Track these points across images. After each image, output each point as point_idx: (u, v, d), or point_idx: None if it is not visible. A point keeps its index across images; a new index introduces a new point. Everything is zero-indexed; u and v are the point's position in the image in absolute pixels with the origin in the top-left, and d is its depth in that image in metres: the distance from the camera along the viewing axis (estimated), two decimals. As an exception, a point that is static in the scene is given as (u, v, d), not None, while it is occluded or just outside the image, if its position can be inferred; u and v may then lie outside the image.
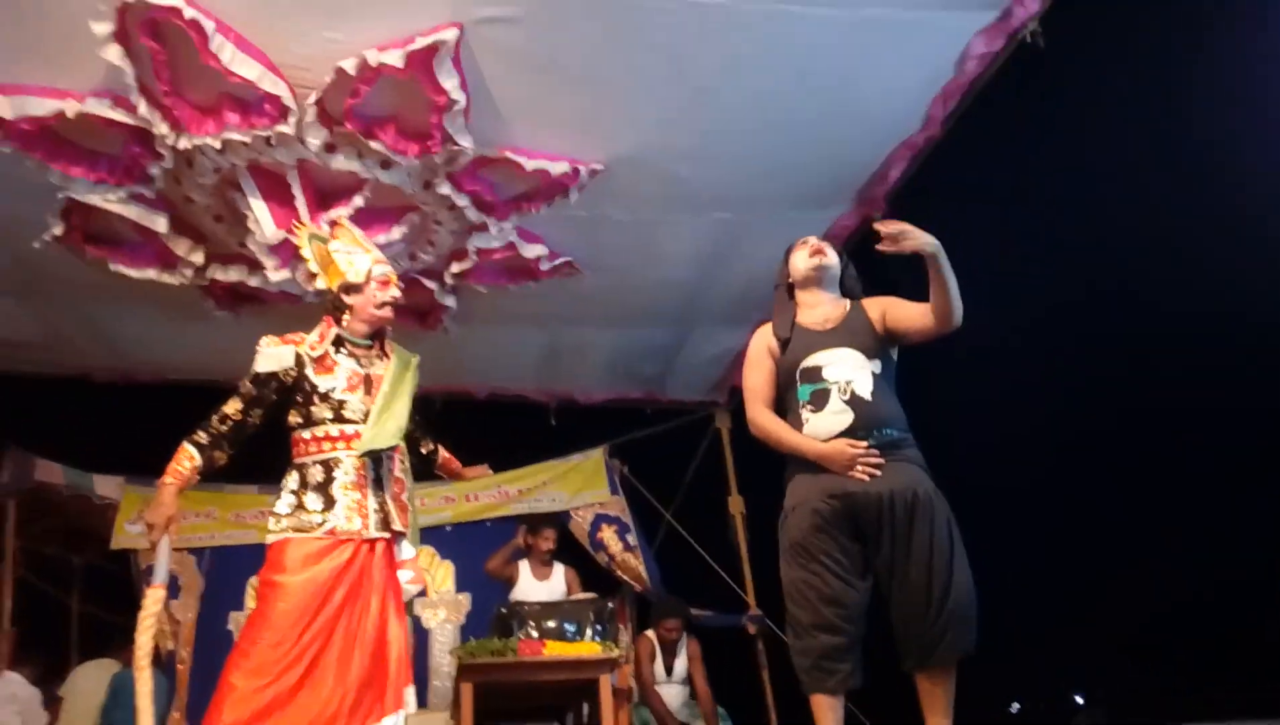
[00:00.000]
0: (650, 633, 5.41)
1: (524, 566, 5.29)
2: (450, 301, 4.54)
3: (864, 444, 2.57)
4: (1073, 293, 6.17)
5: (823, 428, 2.63)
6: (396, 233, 3.81)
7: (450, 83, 3.12)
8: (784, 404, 2.78)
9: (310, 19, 3.02)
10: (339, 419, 2.80)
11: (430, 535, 6.01)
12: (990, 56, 3.50)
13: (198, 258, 4.00)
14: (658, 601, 5.77)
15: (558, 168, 3.65)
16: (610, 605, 4.74)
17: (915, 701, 2.59)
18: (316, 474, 2.77)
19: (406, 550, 2.88)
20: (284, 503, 2.75)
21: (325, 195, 3.63)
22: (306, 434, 2.81)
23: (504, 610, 4.69)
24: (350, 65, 3.08)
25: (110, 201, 3.60)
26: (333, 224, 3.20)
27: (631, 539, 6.18)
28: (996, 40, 3.42)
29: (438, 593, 5.86)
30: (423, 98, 3.22)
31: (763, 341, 2.85)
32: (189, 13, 2.87)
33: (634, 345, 5.49)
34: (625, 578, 6.05)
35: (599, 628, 4.54)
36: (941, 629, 2.47)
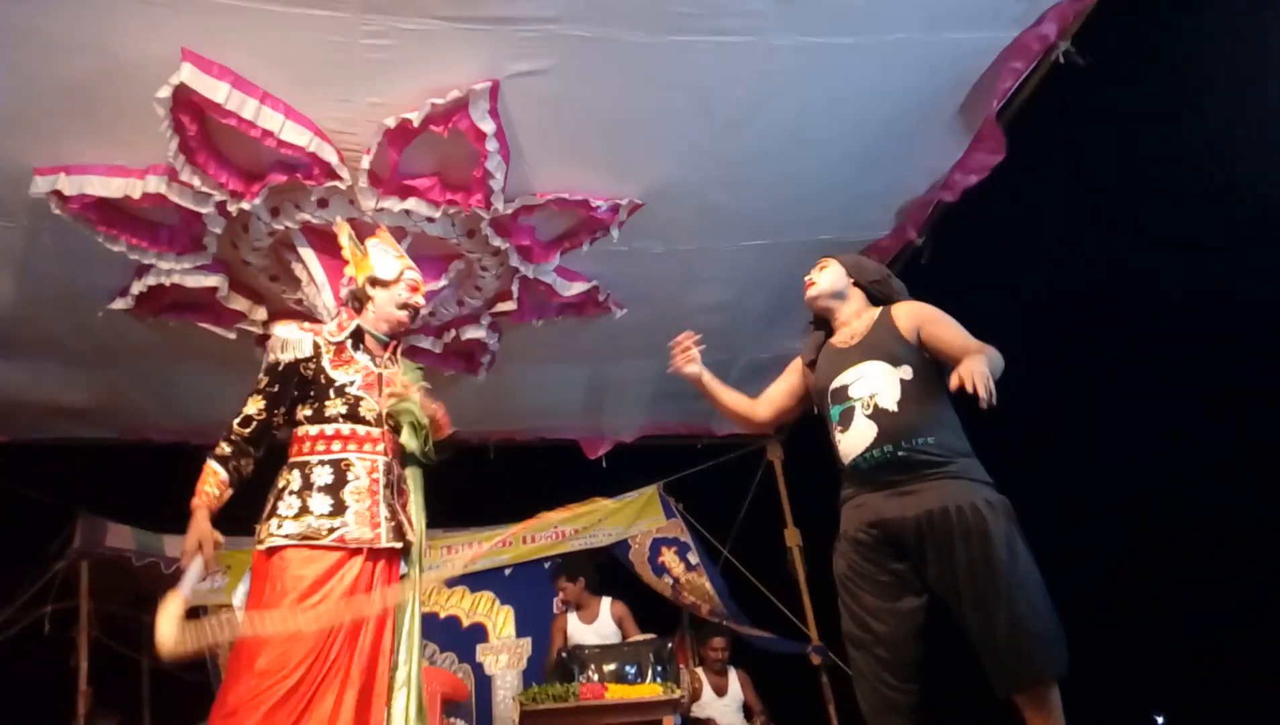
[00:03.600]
0: (698, 669, 5.37)
1: (570, 614, 5.31)
2: (494, 342, 4.62)
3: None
4: (1120, 308, 6.06)
5: (850, 445, 2.56)
6: (443, 281, 3.90)
7: (489, 131, 3.20)
8: (824, 429, 2.75)
9: (351, 85, 3.13)
10: (353, 418, 2.64)
11: (489, 580, 6.05)
12: (1017, 75, 3.51)
13: (260, 315, 4.13)
14: (702, 624, 5.73)
15: (597, 206, 3.72)
16: (670, 645, 4.73)
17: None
18: (324, 475, 2.57)
19: (401, 566, 2.73)
20: (287, 504, 2.53)
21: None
22: (314, 430, 2.63)
23: (564, 654, 4.71)
24: (393, 123, 3.19)
25: (174, 273, 3.74)
26: (376, 228, 3.17)
27: (693, 558, 6.08)
28: (1022, 59, 3.44)
29: (499, 638, 5.88)
30: (464, 150, 3.32)
31: (798, 361, 2.94)
32: (234, 100, 3.00)
33: (678, 377, 5.49)
34: (693, 599, 5.93)
35: (659, 668, 4.52)
36: (1015, 652, 2.29)
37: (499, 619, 5.95)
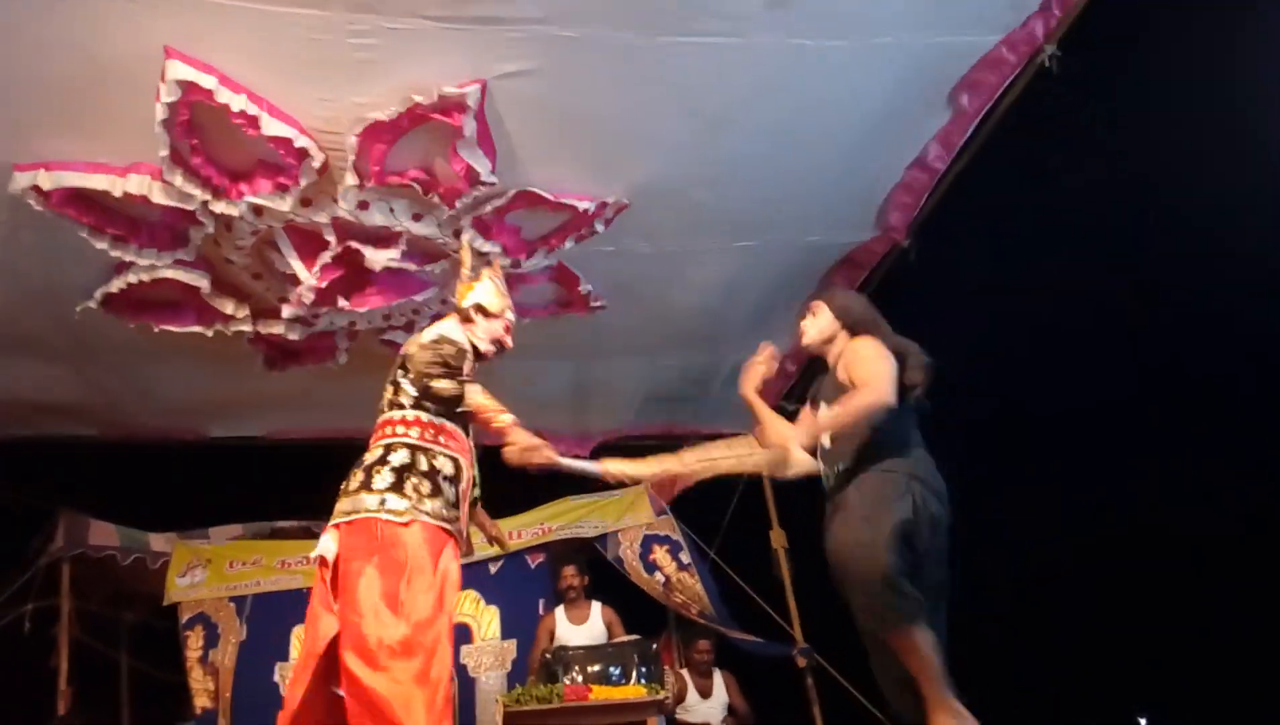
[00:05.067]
0: (683, 670, 5.37)
1: (559, 613, 5.30)
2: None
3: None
4: (1103, 312, 6.09)
5: None
6: (429, 275, 3.90)
7: (475, 131, 3.20)
8: None
9: (336, 84, 3.11)
10: (464, 426, 2.84)
11: (474, 578, 5.99)
12: (1003, 79, 3.52)
13: (242, 314, 4.10)
14: (688, 626, 5.72)
15: (582, 204, 3.72)
16: (654, 646, 4.72)
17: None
18: (447, 466, 2.75)
19: None
20: (418, 482, 2.67)
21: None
22: (438, 421, 2.78)
23: (548, 655, 4.70)
24: (379, 122, 3.17)
25: (155, 268, 3.71)
26: (491, 263, 3.35)
27: (685, 557, 6.02)
28: (1009, 63, 3.45)
29: (484, 639, 5.85)
30: (449, 149, 3.30)
31: None
32: (223, 96, 2.98)
33: (665, 375, 5.51)
34: (684, 599, 5.89)
35: (644, 670, 4.52)
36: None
37: (484, 619, 5.91)
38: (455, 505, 2.74)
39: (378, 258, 3.65)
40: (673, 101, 3.39)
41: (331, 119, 3.21)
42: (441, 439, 2.78)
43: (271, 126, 3.09)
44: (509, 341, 3.08)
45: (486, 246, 3.80)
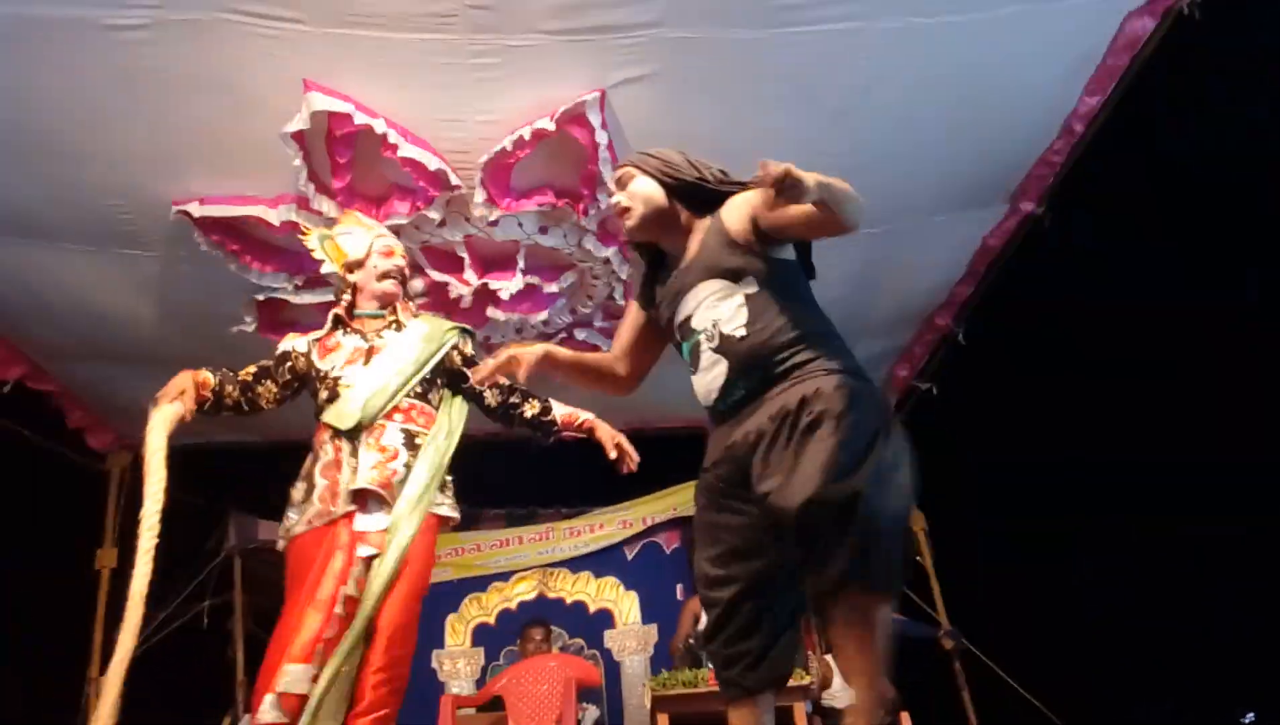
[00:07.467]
0: (827, 656, 5.32)
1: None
2: (605, 345, 4.68)
3: None
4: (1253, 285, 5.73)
5: (703, 390, 2.14)
6: (557, 288, 3.97)
7: (598, 142, 3.25)
8: None
9: (462, 104, 3.21)
10: (333, 398, 2.66)
11: (612, 565, 6.14)
12: (1140, 38, 3.32)
13: None
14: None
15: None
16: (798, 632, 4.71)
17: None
18: (307, 462, 2.67)
19: (365, 522, 2.57)
20: (289, 499, 2.68)
21: (489, 262, 3.84)
22: (317, 425, 2.71)
23: (692, 641, 4.76)
24: (505, 140, 3.26)
25: (298, 291, 3.92)
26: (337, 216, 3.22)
27: None
28: (1147, 18, 3.26)
29: (626, 625, 5.97)
30: (574, 161, 3.37)
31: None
32: (360, 118, 3.12)
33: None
34: None
35: (788, 655, 4.51)
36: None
37: (624, 605, 6.03)
38: (308, 494, 2.62)
39: (503, 287, 3.78)
40: (789, 93, 3.34)
41: (460, 139, 3.32)
42: (313, 446, 2.71)
43: (407, 150, 3.22)
44: (395, 262, 2.85)
45: (605, 252, 3.85)
